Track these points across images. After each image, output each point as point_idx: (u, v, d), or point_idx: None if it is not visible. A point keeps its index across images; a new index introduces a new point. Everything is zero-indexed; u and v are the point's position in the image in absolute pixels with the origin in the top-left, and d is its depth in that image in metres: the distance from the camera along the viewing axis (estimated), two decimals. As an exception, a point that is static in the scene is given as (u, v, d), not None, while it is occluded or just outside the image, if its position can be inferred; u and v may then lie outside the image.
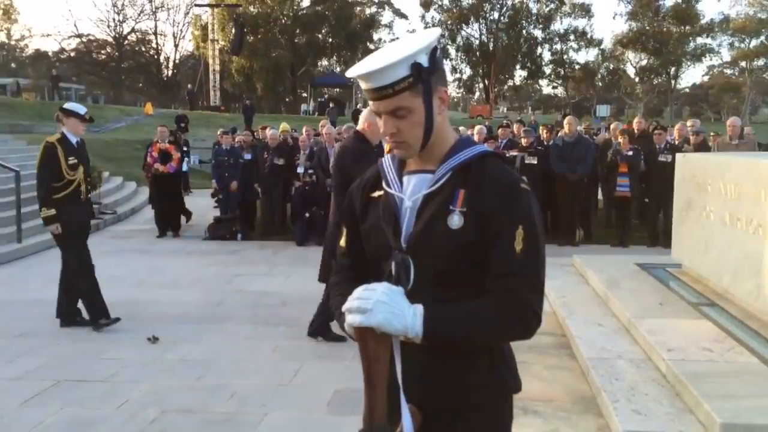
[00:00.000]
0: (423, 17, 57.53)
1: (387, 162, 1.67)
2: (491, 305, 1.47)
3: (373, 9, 55.55)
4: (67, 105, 5.76)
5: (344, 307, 1.48)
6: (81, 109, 5.72)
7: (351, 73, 1.51)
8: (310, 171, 10.10)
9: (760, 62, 56.50)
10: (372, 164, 1.74)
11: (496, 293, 1.48)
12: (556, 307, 5.54)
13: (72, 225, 5.49)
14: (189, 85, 42.83)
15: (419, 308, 1.45)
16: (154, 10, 56.23)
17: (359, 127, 5.03)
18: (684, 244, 5.74)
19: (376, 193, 1.66)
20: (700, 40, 53.79)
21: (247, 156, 10.88)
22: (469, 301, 1.49)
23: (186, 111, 30.59)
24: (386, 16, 57.62)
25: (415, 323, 1.44)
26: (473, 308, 1.48)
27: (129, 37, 57.40)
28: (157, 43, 58.62)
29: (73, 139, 5.58)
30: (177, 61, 59.82)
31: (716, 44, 54.37)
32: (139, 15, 56.79)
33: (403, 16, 61.72)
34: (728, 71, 62.53)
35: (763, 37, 54.42)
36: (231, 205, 10.73)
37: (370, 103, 1.54)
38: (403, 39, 1.57)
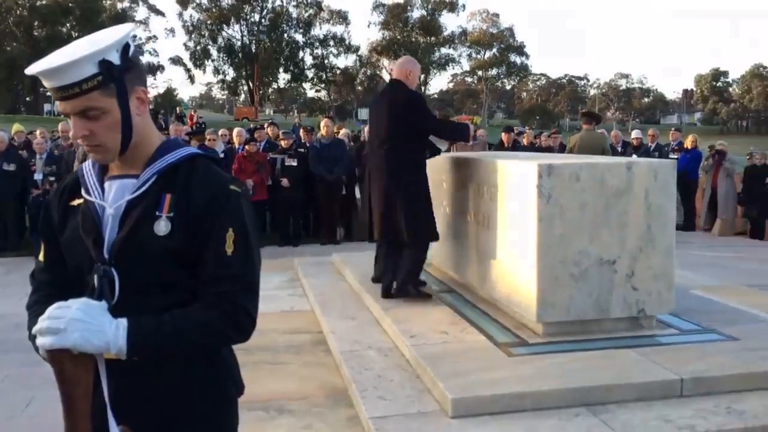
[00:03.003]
0: (181, 15, 55.38)
1: (87, 167, 1.55)
2: (202, 311, 1.43)
3: (126, 4, 52.08)
4: None
5: (34, 329, 1.35)
6: None
7: (31, 70, 1.37)
8: (51, 178, 9.12)
9: (494, 72, 63.95)
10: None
11: (208, 297, 1.44)
12: (314, 304, 5.67)
13: None
14: None
15: (122, 322, 1.36)
16: None
17: (396, 75, 4.87)
18: (427, 237, 6.22)
19: (76, 201, 1.53)
20: (443, 51, 59.25)
21: (-31, 162, 9.49)
22: (179, 309, 1.43)
23: None
24: (141, 11, 54.04)
25: (118, 338, 1.35)
26: (182, 316, 1.41)
27: None
28: None
29: None
30: None
31: (457, 54, 60.38)
32: None
33: (159, 13, 58.49)
34: (468, 79, 69.81)
35: (495, 50, 61.65)
36: (-50, 219, 9.29)
37: (57, 103, 1.40)
38: (92, 35, 1.45)
